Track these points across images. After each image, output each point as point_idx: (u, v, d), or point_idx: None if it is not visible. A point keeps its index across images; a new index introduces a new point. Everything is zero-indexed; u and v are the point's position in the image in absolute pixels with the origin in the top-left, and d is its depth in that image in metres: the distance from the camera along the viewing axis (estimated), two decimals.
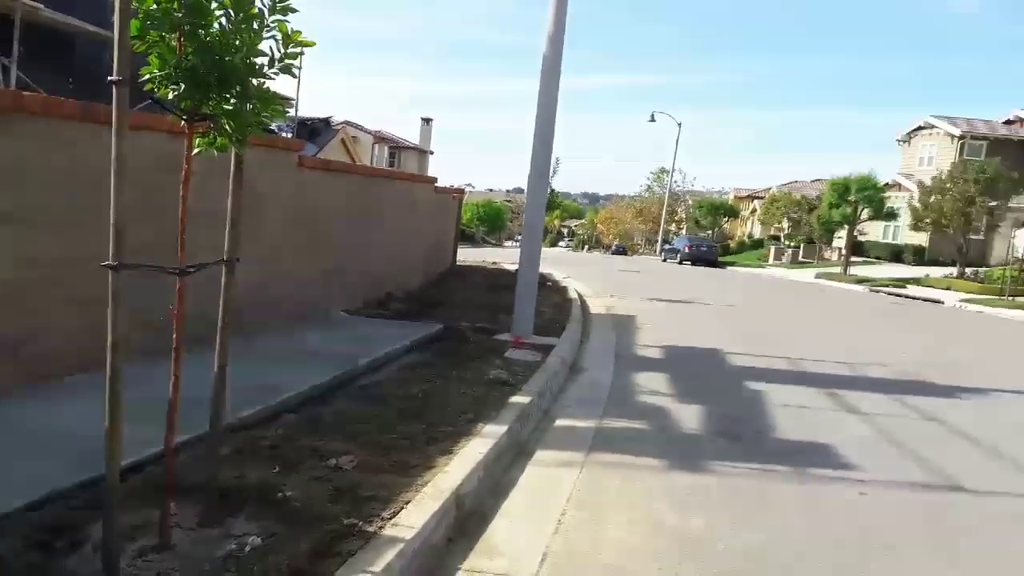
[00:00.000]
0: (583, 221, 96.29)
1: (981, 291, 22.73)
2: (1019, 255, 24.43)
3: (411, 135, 46.98)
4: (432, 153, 47.12)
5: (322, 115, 36.33)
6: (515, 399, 5.98)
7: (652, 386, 7.42)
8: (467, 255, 26.26)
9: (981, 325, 16.42)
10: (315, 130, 35.39)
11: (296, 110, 20.53)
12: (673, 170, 56.69)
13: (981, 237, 32.10)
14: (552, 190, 55.21)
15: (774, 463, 5.19)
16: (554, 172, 53.26)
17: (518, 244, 69.39)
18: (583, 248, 75.01)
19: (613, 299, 15.78)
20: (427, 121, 47.34)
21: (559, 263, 27.36)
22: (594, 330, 10.93)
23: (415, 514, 3.57)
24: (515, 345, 8.17)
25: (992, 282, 23.56)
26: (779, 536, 3.98)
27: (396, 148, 44.73)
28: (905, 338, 13.24)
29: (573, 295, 14.91)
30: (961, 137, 37.77)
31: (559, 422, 5.93)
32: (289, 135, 17.64)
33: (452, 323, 9.34)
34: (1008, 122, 39.99)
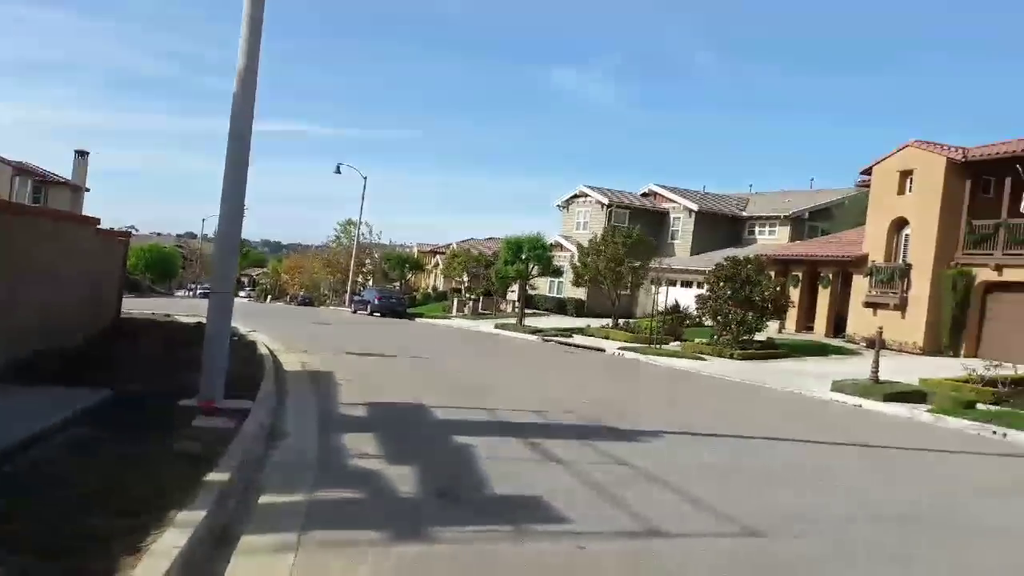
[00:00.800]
0: (266, 270, 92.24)
1: (633, 339, 25.84)
2: (660, 308, 28.36)
3: (62, 170, 41.22)
4: (88, 191, 41.72)
5: None
6: (211, 476, 5.25)
7: (362, 448, 7.05)
8: (134, 306, 23.49)
9: (639, 370, 18.56)
10: None
11: None
12: (360, 222, 56.98)
13: (629, 292, 36.71)
14: None
15: (494, 523, 5.14)
16: (242, 220, 50.10)
17: (191, 294, 63.64)
18: (266, 298, 71.73)
19: (307, 354, 15.07)
20: (82, 154, 41.88)
21: (243, 315, 25.64)
22: (292, 389, 10.25)
23: None
24: (205, 412, 7.28)
25: (641, 331, 26.93)
26: None
27: (43, 183, 38.90)
28: (582, 385, 14.42)
29: (264, 351, 13.96)
30: (609, 205, 43.14)
31: (265, 498, 5.31)
32: None
33: (124, 388, 8.09)
34: (644, 195, 46.64)
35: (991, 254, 22.46)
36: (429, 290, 58.60)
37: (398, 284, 54.02)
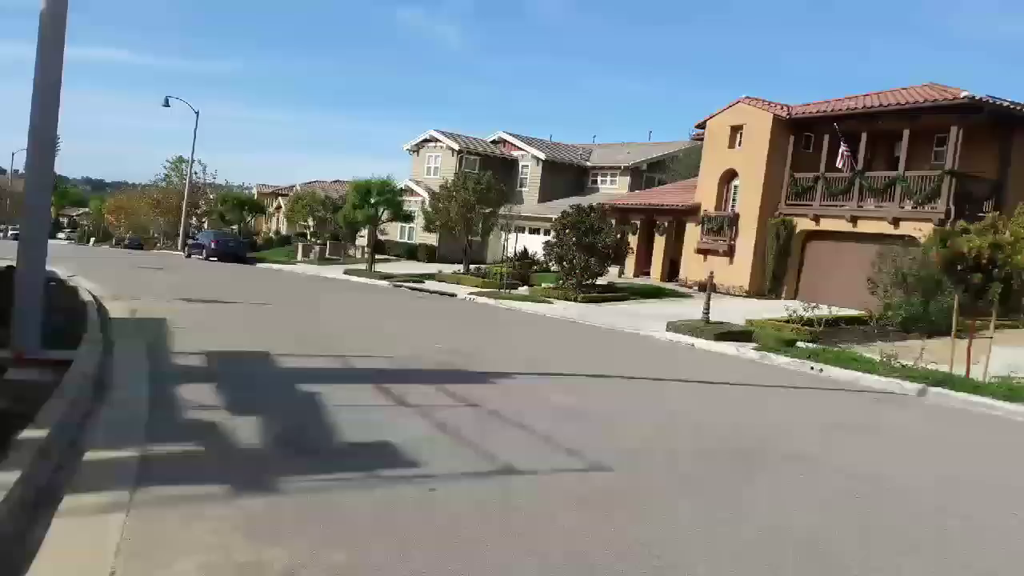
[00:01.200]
0: (87, 210, 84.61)
1: (484, 285, 26.10)
2: (510, 254, 28.80)
3: None
4: None
5: None
6: (27, 433, 4.77)
7: (201, 399, 6.66)
8: None
9: (490, 315, 18.78)
10: None
11: None
12: (192, 160, 53.25)
13: (480, 239, 36.93)
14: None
15: (343, 470, 5.02)
16: (55, 151, 45.54)
17: (1, 235, 57.71)
18: (89, 241, 66.10)
19: (137, 300, 14.03)
20: None
21: (63, 258, 23.52)
22: (120, 338, 9.49)
23: None
24: (19, 363, 6.59)
25: (491, 277, 27.24)
26: (362, 552, 3.80)
27: None
28: (434, 330, 14.40)
29: (87, 297, 12.84)
30: (460, 151, 42.89)
31: (91, 455, 4.90)
32: None
33: None
34: (494, 142, 46.73)
35: (810, 205, 24.39)
36: (271, 234, 56.12)
37: (236, 227, 51.26)
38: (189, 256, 40.68)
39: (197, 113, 49.01)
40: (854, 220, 23.00)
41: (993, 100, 20.42)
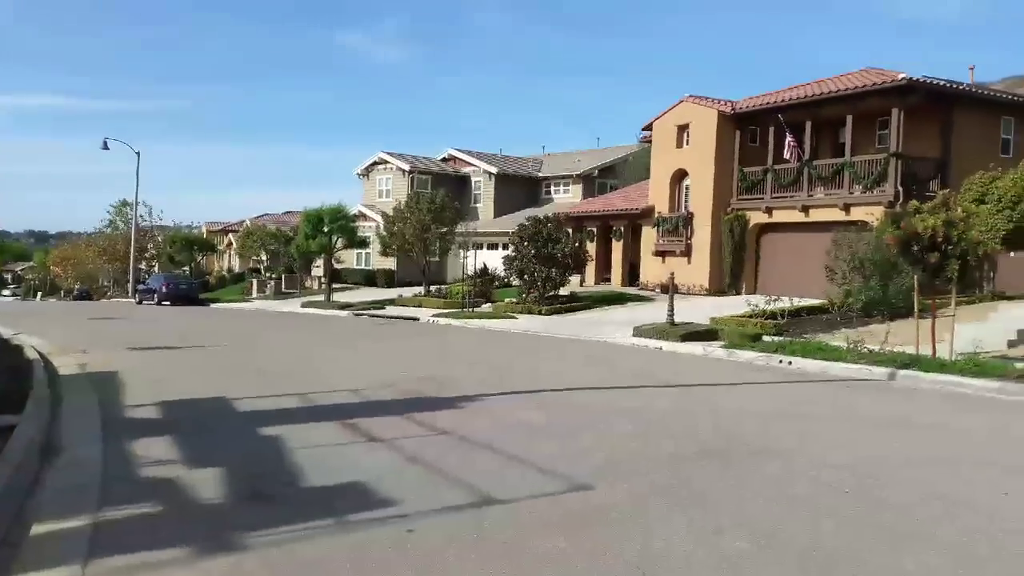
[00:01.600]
0: (32, 263, 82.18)
1: (446, 305, 25.86)
2: (470, 272, 28.60)
3: None
4: None
5: None
6: None
7: (157, 454, 6.30)
8: None
9: (454, 335, 18.51)
10: None
11: None
12: (137, 203, 52.06)
13: (438, 259, 36.67)
14: None
15: (312, 519, 4.74)
16: None
17: None
18: (35, 295, 64.16)
19: (87, 354, 13.47)
20: None
21: (6, 315, 22.69)
22: (68, 396, 9.04)
23: None
24: None
25: (453, 297, 27.01)
26: None
27: None
28: (399, 356, 14.10)
29: (32, 354, 12.27)
30: (410, 172, 42.70)
31: (39, 528, 4.55)
32: None
33: None
34: (444, 159, 46.61)
35: (762, 198, 24.67)
36: (224, 272, 55.09)
37: (187, 268, 50.21)
38: (140, 302, 39.68)
39: (138, 154, 48.07)
40: (806, 209, 23.31)
41: (929, 80, 20.91)
